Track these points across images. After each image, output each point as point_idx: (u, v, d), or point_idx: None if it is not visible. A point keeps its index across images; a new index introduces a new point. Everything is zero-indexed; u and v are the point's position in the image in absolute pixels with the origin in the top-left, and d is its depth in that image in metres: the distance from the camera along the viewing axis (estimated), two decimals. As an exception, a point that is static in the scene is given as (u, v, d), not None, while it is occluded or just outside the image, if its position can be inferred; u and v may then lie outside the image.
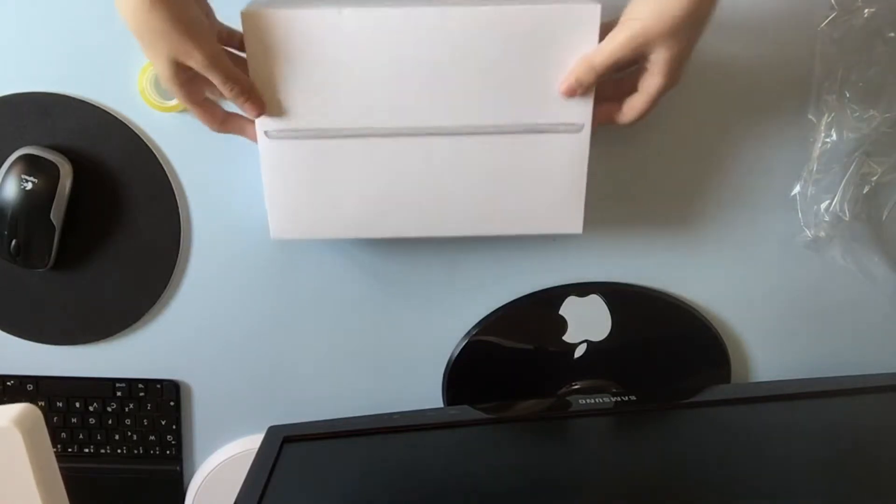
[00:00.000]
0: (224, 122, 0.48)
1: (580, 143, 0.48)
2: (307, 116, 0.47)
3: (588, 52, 0.45)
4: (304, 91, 0.46)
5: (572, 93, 0.46)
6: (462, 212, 0.50)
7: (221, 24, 0.47)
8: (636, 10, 0.43)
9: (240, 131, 0.49)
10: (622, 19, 0.44)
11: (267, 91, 0.46)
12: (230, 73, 0.44)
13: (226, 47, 0.46)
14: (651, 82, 0.46)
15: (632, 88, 0.47)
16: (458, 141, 0.48)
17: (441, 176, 0.49)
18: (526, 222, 0.51)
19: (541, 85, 0.47)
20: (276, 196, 0.50)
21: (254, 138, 0.48)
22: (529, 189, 0.50)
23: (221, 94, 0.45)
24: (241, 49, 0.46)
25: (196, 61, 0.41)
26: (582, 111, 0.47)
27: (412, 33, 0.45)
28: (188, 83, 0.44)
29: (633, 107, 0.48)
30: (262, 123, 0.47)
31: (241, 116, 0.48)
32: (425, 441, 0.55)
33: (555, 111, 0.47)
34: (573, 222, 0.51)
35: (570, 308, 0.60)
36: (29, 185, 0.53)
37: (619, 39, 0.44)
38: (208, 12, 0.46)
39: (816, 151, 0.56)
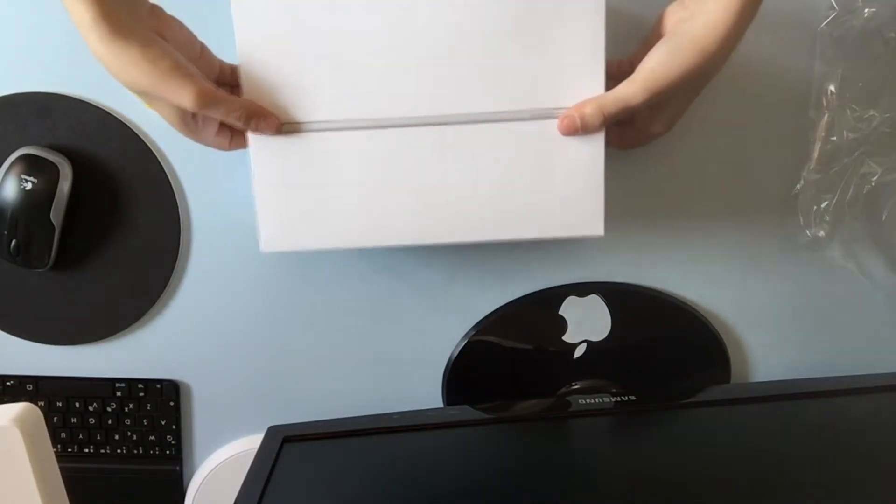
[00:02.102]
0: (231, 141, 0.47)
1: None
2: (298, 111, 0.45)
3: (598, 94, 0.44)
4: (296, 86, 0.45)
5: (572, 131, 0.44)
6: (470, 215, 0.46)
7: (222, 63, 0.47)
8: (653, 60, 0.41)
9: (246, 143, 0.49)
10: (639, 68, 0.42)
11: (261, 95, 0.45)
12: (229, 103, 0.43)
13: (230, 84, 0.46)
14: (652, 129, 0.47)
15: (628, 119, 0.46)
16: (461, 132, 0.45)
17: (444, 174, 0.45)
18: (541, 225, 0.46)
19: (548, 67, 0.44)
20: (267, 203, 0.47)
21: None
22: (543, 186, 0.45)
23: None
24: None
25: (188, 103, 0.41)
26: (595, 92, 0.44)
27: (409, 13, 0.43)
28: (199, 126, 0.45)
29: (626, 142, 0.50)
30: None
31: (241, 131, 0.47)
32: (425, 441, 0.55)
33: (565, 95, 0.44)
34: (593, 223, 0.46)
35: (570, 308, 0.60)
36: (29, 185, 0.53)
37: (635, 88, 0.42)
38: (200, 53, 0.45)
39: (816, 151, 0.56)
